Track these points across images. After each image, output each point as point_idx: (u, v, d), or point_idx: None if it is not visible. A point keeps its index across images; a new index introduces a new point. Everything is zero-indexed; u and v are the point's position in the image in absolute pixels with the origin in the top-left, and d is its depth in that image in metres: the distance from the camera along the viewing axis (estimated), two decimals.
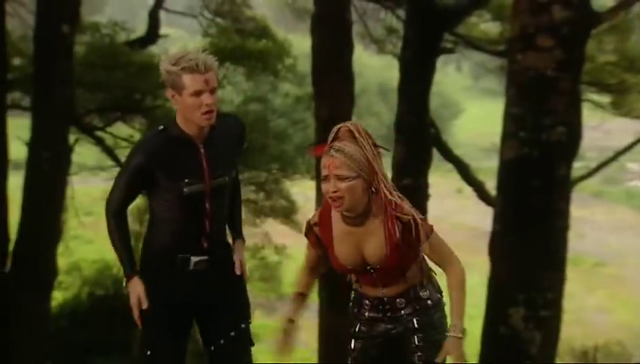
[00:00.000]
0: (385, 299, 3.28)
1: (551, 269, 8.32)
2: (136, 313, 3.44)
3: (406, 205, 3.14)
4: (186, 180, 3.37)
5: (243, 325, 3.55)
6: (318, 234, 3.27)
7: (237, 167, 3.64)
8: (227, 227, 3.61)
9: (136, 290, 3.42)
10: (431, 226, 3.17)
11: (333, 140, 3.09)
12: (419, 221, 3.12)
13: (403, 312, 3.28)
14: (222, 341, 3.51)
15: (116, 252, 3.50)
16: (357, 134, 3.08)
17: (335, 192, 3.04)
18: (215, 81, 3.36)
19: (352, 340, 3.38)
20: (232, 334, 3.51)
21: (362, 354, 3.36)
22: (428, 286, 3.30)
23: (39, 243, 12.24)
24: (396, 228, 3.12)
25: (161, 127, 3.49)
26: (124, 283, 3.46)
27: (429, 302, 3.29)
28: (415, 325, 3.27)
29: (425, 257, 3.29)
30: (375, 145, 3.10)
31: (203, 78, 3.30)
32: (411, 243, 3.13)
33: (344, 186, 3.04)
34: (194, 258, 3.44)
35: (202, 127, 3.40)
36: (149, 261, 3.51)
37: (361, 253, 3.18)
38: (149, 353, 3.48)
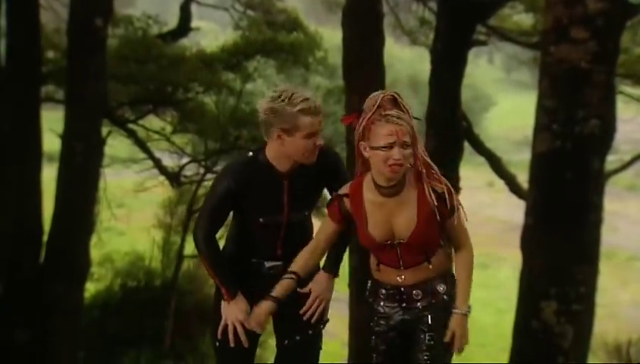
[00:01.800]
0: (402, 288, 3.26)
1: (584, 263, 8.25)
2: (240, 329, 3.36)
3: (437, 178, 3.16)
4: (265, 211, 3.35)
5: (311, 331, 3.50)
6: (347, 206, 3.22)
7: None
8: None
9: (242, 307, 3.36)
10: (459, 200, 3.18)
11: (379, 108, 3.08)
12: (452, 190, 3.15)
13: (418, 304, 3.26)
14: (289, 342, 3.50)
15: (214, 277, 3.42)
16: (401, 102, 3.10)
17: (399, 159, 3.05)
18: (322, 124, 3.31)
19: (373, 337, 3.38)
20: (300, 337, 3.49)
21: (384, 352, 3.36)
22: (446, 279, 3.28)
23: (73, 235, 12.37)
24: (431, 198, 3.12)
25: (251, 152, 3.41)
26: (224, 304, 3.38)
27: (445, 297, 3.26)
28: (429, 322, 3.24)
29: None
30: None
31: (318, 120, 3.25)
32: (442, 214, 3.13)
33: (407, 154, 3.07)
34: (267, 264, 3.43)
35: (296, 164, 3.32)
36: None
37: (391, 225, 3.17)
38: (217, 343, 3.46)
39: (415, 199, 3.15)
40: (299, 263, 3.32)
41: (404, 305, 3.28)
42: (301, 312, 3.40)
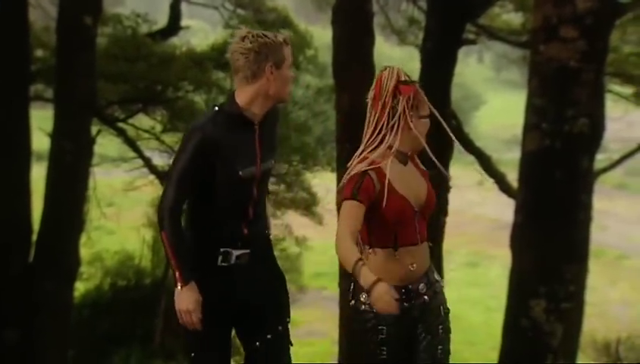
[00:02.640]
0: (410, 286, 3.27)
1: (573, 261, 8.28)
2: (195, 319, 3.24)
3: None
4: (242, 163, 3.31)
5: (280, 327, 3.45)
6: (375, 181, 3.20)
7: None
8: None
9: (193, 297, 3.22)
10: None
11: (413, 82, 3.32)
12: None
13: (425, 297, 3.29)
14: (259, 343, 3.41)
15: (171, 258, 3.26)
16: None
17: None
18: None
19: (381, 347, 3.27)
20: (271, 335, 3.42)
21: (392, 354, 3.30)
22: (433, 267, 3.37)
23: (62, 234, 12.33)
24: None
25: (216, 106, 3.38)
26: (179, 288, 3.23)
27: (441, 284, 3.37)
28: (442, 313, 3.32)
29: None
30: None
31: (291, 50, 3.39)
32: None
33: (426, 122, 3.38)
34: (235, 252, 3.34)
35: (268, 106, 3.37)
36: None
37: (413, 191, 3.28)
38: (193, 354, 3.39)
39: (415, 167, 3.35)
40: (358, 250, 3.15)
41: (413, 302, 3.27)
42: None
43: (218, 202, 3.32)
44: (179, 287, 3.23)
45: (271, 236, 3.55)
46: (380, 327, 3.26)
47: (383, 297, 2.93)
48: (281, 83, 3.32)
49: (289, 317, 3.50)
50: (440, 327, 3.28)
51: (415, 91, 3.28)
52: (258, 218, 3.41)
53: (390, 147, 3.23)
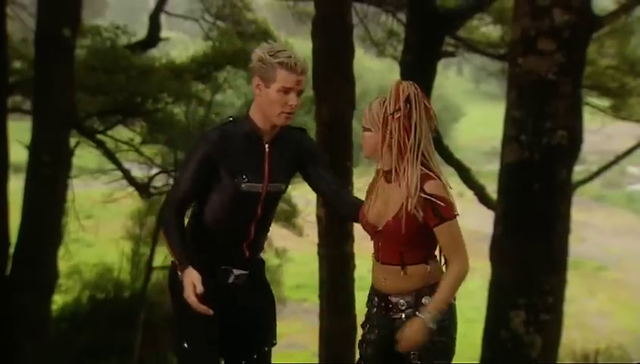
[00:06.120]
0: (389, 297, 3.27)
1: (552, 273, 8.31)
2: (193, 298, 3.16)
3: (435, 184, 3.19)
4: (246, 177, 3.28)
5: (266, 348, 3.48)
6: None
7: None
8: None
9: (192, 276, 3.17)
10: (454, 214, 3.20)
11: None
12: (439, 203, 3.16)
13: (403, 315, 3.25)
14: (245, 362, 3.43)
15: (172, 249, 3.28)
16: (395, 93, 3.21)
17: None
18: (304, 85, 3.32)
19: (364, 345, 3.37)
20: (257, 355, 3.45)
21: (372, 359, 3.35)
22: (430, 293, 3.24)
23: (40, 247, 12.24)
24: (415, 197, 3.16)
25: (231, 118, 3.39)
26: (180, 274, 3.20)
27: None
28: None
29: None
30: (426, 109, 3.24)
31: (297, 78, 3.26)
32: (427, 219, 3.17)
33: (364, 135, 3.28)
34: (236, 272, 3.37)
35: (275, 126, 3.32)
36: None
37: (380, 211, 3.26)
38: (185, 345, 3.35)
39: (399, 188, 3.22)
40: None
41: (391, 314, 3.28)
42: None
43: (221, 216, 3.33)
44: (180, 274, 3.23)
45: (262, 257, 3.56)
46: (367, 326, 3.37)
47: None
48: (267, 103, 3.27)
49: (275, 339, 3.53)
50: (412, 353, 3.22)
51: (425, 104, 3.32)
52: (257, 239, 3.43)
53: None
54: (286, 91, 3.24)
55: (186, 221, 3.39)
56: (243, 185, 3.28)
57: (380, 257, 3.27)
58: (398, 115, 3.17)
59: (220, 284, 3.35)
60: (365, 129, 3.26)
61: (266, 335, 3.49)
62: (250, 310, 3.42)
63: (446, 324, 3.24)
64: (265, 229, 3.46)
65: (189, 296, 3.15)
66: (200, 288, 3.14)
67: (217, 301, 3.26)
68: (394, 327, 3.26)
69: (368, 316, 3.39)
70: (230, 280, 3.37)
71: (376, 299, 3.33)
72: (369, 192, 3.35)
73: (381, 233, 3.23)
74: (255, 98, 3.33)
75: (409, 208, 3.15)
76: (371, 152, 3.27)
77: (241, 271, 3.38)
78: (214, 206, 3.33)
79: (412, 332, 3.17)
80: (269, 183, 3.34)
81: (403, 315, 3.25)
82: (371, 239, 3.33)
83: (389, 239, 3.21)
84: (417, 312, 3.19)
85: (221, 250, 3.36)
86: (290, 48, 3.32)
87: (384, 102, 3.21)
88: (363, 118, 3.28)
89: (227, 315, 3.36)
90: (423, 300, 3.23)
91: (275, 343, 3.52)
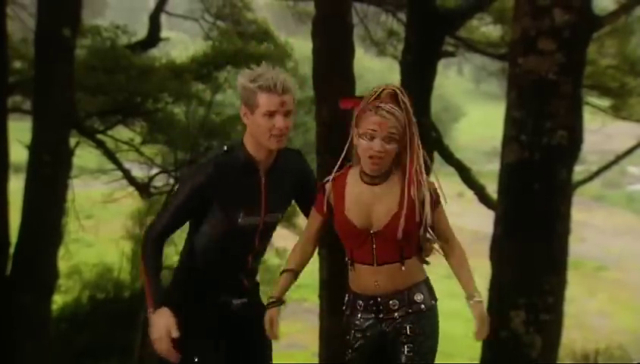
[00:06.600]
0: (379, 298, 3.24)
1: (552, 273, 8.30)
2: (165, 346, 3.12)
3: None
4: (242, 211, 3.21)
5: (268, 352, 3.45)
6: (329, 192, 3.25)
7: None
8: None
9: (166, 320, 3.11)
10: (439, 199, 3.24)
11: (375, 99, 3.13)
12: (435, 187, 3.22)
13: (396, 314, 3.23)
14: None
15: (147, 278, 3.19)
16: (401, 98, 3.15)
17: (380, 152, 3.10)
18: (292, 104, 3.19)
19: (350, 351, 3.33)
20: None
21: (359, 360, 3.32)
22: (423, 290, 3.26)
23: (40, 247, 12.23)
24: (417, 190, 3.16)
25: (226, 147, 3.27)
26: (150, 313, 3.15)
27: (423, 306, 3.24)
28: (408, 332, 3.22)
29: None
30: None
31: (279, 100, 3.13)
32: (430, 201, 3.18)
33: (389, 148, 3.11)
34: (235, 301, 3.34)
35: (270, 153, 3.23)
36: (182, 297, 3.29)
37: (369, 213, 3.18)
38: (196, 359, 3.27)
39: (399, 190, 3.17)
40: (294, 259, 3.37)
41: (381, 315, 3.25)
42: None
43: (217, 249, 3.28)
44: (151, 312, 3.16)
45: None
46: (352, 332, 3.31)
47: (268, 321, 3.26)
48: (256, 130, 3.18)
49: (271, 360, 3.50)
50: (407, 347, 3.22)
51: (359, 108, 3.16)
52: (254, 267, 3.42)
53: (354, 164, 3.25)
54: (270, 114, 3.14)
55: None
56: (239, 220, 3.22)
57: (377, 259, 3.21)
58: (415, 120, 3.17)
59: (220, 315, 3.32)
60: (393, 140, 3.11)
61: (264, 355, 3.46)
62: (248, 334, 3.39)
63: (435, 328, 3.27)
64: (261, 256, 3.44)
65: (161, 341, 3.11)
66: (176, 333, 3.10)
67: (218, 331, 3.28)
68: (383, 330, 3.25)
69: (349, 322, 3.32)
70: (231, 309, 3.34)
71: (361, 303, 3.27)
72: (338, 197, 3.22)
73: (377, 234, 3.18)
74: (246, 127, 3.25)
75: (416, 196, 3.14)
76: (388, 164, 3.17)
77: (240, 300, 3.36)
78: (209, 240, 3.27)
79: (484, 314, 3.25)
80: (266, 214, 3.28)
81: (396, 315, 3.23)
82: (354, 245, 3.23)
83: (389, 237, 3.17)
84: (470, 299, 3.25)
85: (218, 282, 3.32)
86: (272, 69, 3.19)
87: (393, 111, 3.11)
88: (383, 129, 3.09)
89: (228, 344, 3.35)
90: (416, 297, 3.24)
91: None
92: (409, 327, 3.22)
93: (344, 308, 3.37)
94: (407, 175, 3.16)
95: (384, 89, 3.16)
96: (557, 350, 8.81)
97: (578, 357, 16.78)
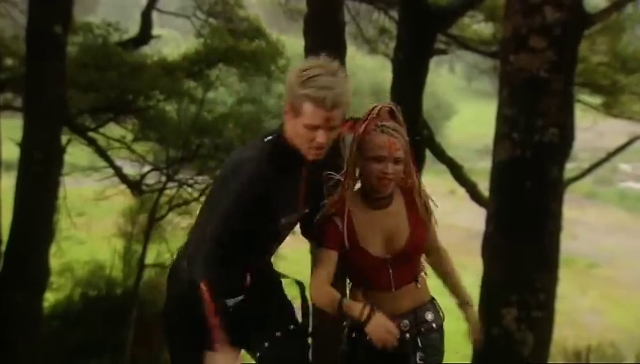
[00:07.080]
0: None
1: (544, 270, 8.31)
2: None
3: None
4: (285, 211, 2.91)
5: (292, 326, 3.27)
6: (340, 226, 3.05)
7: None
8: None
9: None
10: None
11: (375, 118, 3.04)
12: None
13: (407, 335, 3.17)
14: (270, 342, 3.12)
15: (213, 315, 2.91)
16: (398, 115, 3.09)
17: (389, 173, 3.01)
18: (340, 119, 2.83)
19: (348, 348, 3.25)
20: (282, 331, 3.18)
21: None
22: (431, 309, 3.24)
23: (31, 244, 12.20)
24: (423, 207, 3.15)
25: (268, 137, 2.89)
26: (219, 356, 2.92)
27: (433, 325, 3.23)
28: (419, 344, 3.18)
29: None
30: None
31: (326, 116, 2.77)
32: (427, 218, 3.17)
33: (399, 169, 3.05)
34: (229, 302, 3.03)
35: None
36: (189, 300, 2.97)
37: (384, 239, 3.07)
38: None
39: (404, 209, 3.12)
40: (334, 292, 3.08)
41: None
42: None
43: (251, 250, 2.95)
44: (216, 349, 2.91)
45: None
46: (359, 351, 3.19)
47: (379, 328, 2.94)
48: (295, 135, 2.85)
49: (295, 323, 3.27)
50: (419, 355, 3.18)
51: (360, 130, 3.03)
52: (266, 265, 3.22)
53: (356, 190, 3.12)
54: (313, 128, 2.80)
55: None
56: (282, 220, 2.95)
57: (394, 284, 3.12)
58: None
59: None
60: (401, 161, 3.03)
61: (281, 316, 3.26)
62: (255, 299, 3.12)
63: (442, 345, 3.28)
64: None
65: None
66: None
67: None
68: (395, 349, 3.12)
69: (356, 342, 3.17)
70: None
71: None
72: (349, 230, 3.04)
73: (392, 259, 3.08)
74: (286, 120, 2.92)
75: (426, 213, 3.13)
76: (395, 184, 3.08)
77: (234, 300, 3.03)
78: (245, 240, 2.90)
79: (477, 320, 3.32)
80: (302, 209, 3.04)
81: (407, 335, 3.16)
82: (370, 274, 3.09)
83: (406, 259, 3.11)
84: (462, 306, 3.28)
85: (241, 279, 3.02)
86: (329, 73, 2.82)
87: (397, 128, 3.04)
88: (392, 150, 2.99)
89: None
90: (426, 316, 3.20)
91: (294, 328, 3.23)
92: (420, 340, 3.19)
93: (346, 331, 3.24)
94: (418, 192, 3.12)
95: (381, 108, 3.07)
96: (549, 348, 8.82)
97: (570, 355, 16.82)
